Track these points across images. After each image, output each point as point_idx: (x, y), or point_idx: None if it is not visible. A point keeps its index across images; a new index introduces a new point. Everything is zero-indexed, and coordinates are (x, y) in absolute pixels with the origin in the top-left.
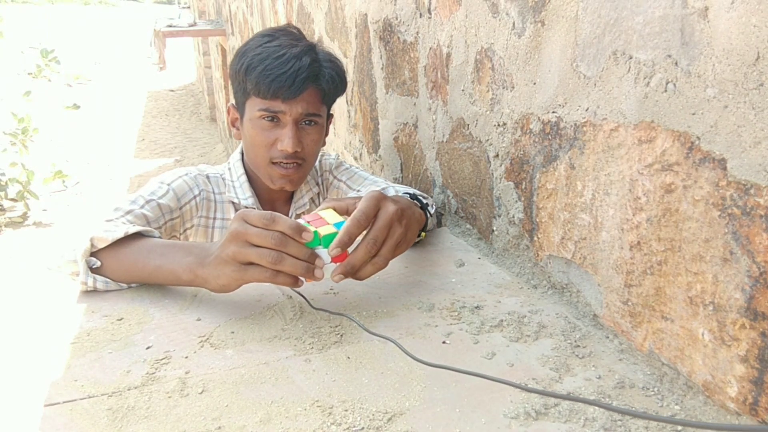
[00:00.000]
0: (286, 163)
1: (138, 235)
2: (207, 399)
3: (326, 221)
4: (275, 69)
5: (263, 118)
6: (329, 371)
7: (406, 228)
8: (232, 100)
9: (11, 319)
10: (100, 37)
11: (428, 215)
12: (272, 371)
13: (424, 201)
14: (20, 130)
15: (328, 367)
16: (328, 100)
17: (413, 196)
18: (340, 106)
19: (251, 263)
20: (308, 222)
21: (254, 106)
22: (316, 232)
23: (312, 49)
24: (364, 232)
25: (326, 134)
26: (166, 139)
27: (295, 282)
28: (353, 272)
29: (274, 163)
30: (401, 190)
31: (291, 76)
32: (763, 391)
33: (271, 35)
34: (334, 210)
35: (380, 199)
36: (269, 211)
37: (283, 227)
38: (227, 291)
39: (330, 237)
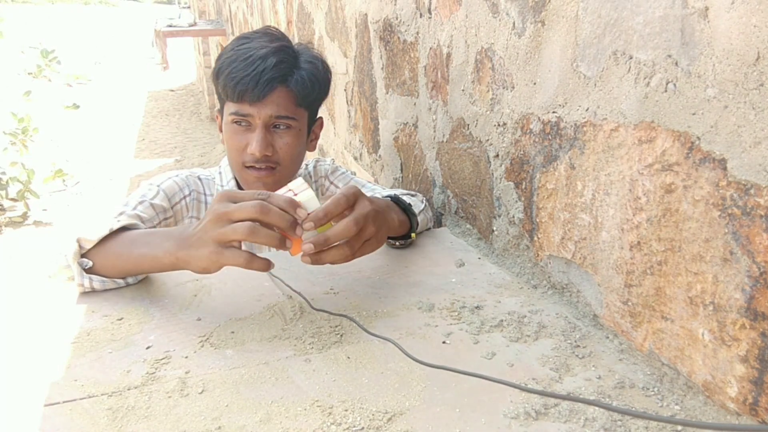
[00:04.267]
0: (258, 167)
1: (123, 230)
2: (207, 399)
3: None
4: (240, 71)
5: (234, 122)
6: (329, 371)
7: (377, 229)
8: (218, 106)
9: (12, 319)
10: (101, 37)
11: (411, 215)
12: (272, 371)
13: (407, 203)
14: (20, 130)
15: (328, 367)
16: (305, 103)
17: (395, 198)
18: (340, 106)
19: (230, 245)
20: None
21: (228, 110)
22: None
23: (284, 49)
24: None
25: (315, 138)
26: (167, 139)
27: (267, 267)
28: (324, 245)
29: (247, 167)
30: (384, 193)
31: (254, 78)
32: (763, 392)
33: (248, 38)
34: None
35: (358, 193)
36: (263, 191)
37: (276, 201)
38: (208, 273)
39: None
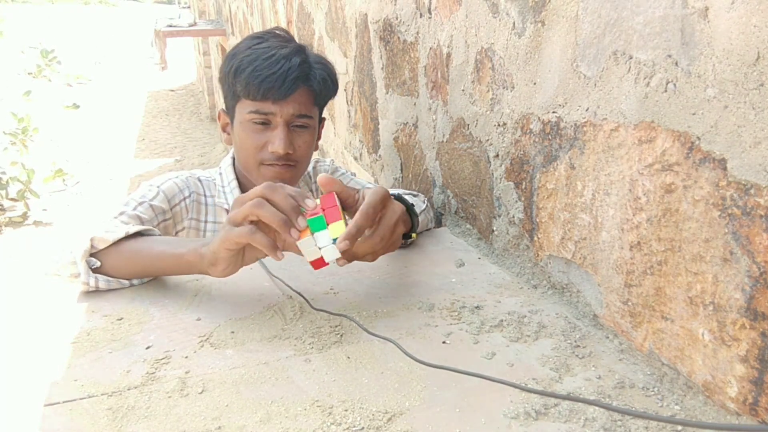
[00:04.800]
0: (280, 164)
1: (138, 235)
2: (207, 399)
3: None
4: (265, 70)
5: (254, 120)
6: (329, 371)
7: (402, 230)
8: (223, 105)
9: (12, 319)
10: (101, 37)
11: (413, 215)
12: (272, 371)
13: (409, 203)
14: (20, 130)
15: (328, 367)
16: (320, 102)
17: (399, 197)
18: (340, 106)
19: (240, 224)
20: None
21: (244, 109)
22: (322, 217)
23: (302, 50)
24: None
25: (318, 138)
26: (167, 138)
27: (272, 247)
28: (350, 259)
29: (265, 165)
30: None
31: (281, 77)
32: (763, 392)
33: (261, 37)
34: (337, 196)
35: (387, 197)
36: (273, 183)
37: (289, 189)
38: (219, 268)
39: (335, 226)
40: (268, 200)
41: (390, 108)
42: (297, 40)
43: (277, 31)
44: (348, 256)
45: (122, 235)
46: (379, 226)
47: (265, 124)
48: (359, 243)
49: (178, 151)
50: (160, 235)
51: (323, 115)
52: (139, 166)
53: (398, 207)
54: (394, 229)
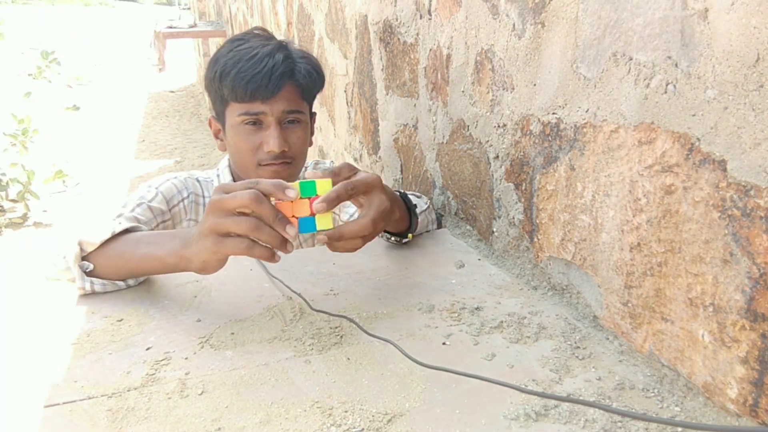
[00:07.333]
0: (277, 163)
1: (125, 232)
2: (207, 400)
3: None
4: (249, 70)
5: (245, 122)
6: (329, 372)
7: (385, 225)
8: (212, 112)
9: (12, 320)
10: (101, 39)
11: (413, 216)
12: (272, 372)
13: (413, 202)
14: (20, 131)
15: (328, 369)
16: (308, 96)
17: (403, 195)
18: (340, 108)
19: (229, 234)
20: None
21: (234, 112)
22: (313, 182)
23: (284, 46)
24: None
25: (311, 133)
26: (167, 140)
27: (271, 256)
28: (336, 239)
29: (262, 165)
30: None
31: (266, 75)
32: (763, 393)
33: (241, 39)
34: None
35: (378, 184)
36: (254, 179)
37: (265, 186)
38: (209, 270)
39: (324, 185)
40: (257, 214)
41: (390, 109)
42: (297, 42)
43: (256, 31)
44: (337, 234)
45: (108, 235)
46: (370, 209)
47: (257, 124)
48: (350, 224)
49: (179, 153)
50: (149, 230)
51: (314, 110)
52: (139, 168)
53: (385, 202)
54: (378, 224)
